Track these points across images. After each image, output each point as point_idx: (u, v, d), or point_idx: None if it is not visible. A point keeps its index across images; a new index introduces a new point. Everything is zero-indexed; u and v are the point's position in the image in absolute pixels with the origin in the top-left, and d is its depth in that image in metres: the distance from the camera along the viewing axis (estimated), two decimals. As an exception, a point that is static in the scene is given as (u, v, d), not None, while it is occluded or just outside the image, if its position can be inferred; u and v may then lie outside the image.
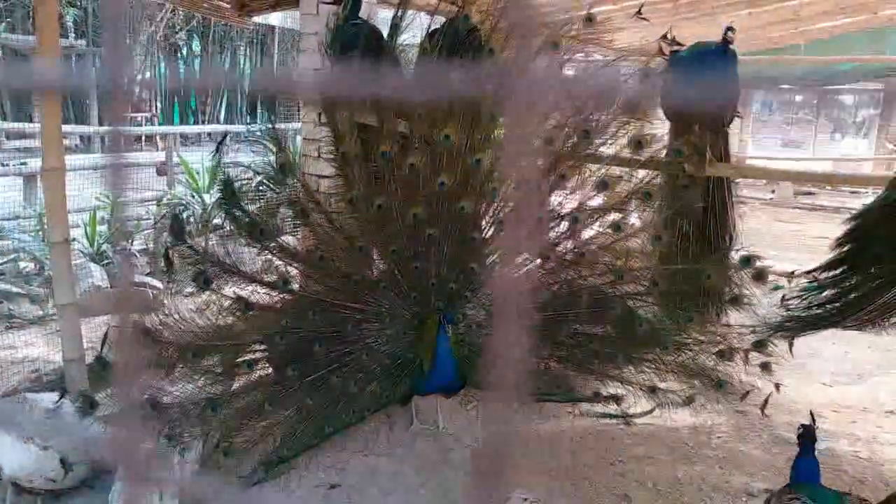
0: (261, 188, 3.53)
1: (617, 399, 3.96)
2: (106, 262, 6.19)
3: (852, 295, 3.45)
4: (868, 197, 12.96)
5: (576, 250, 3.76)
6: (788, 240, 9.18)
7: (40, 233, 6.10)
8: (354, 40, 3.76)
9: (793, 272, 3.77)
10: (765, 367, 3.71)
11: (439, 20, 3.90)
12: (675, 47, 3.91)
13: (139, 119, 16.10)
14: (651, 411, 3.97)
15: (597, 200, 3.76)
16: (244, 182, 3.45)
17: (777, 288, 3.88)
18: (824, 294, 3.58)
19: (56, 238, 3.95)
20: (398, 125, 3.59)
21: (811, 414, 2.81)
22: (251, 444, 3.41)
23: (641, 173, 3.72)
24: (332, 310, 3.64)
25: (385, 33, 3.92)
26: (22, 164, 8.04)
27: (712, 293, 3.82)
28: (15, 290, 5.57)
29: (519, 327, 0.48)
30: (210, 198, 6.96)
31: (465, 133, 3.55)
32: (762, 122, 19.02)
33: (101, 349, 4.13)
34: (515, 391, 0.48)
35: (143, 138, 15.23)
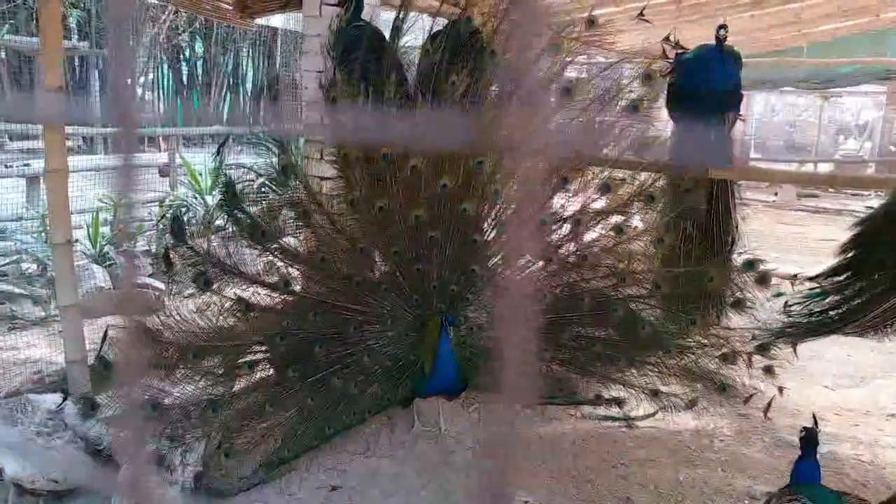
0: (263, 190, 3.53)
1: (619, 402, 3.95)
2: (108, 263, 6.20)
3: (856, 301, 3.45)
4: (870, 199, 12.97)
5: (578, 253, 3.76)
6: (791, 242, 9.17)
7: (43, 234, 6.12)
8: (357, 42, 3.77)
9: (795, 275, 3.77)
10: (768, 370, 3.71)
11: (441, 22, 3.90)
12: (679, 50, 3.91)
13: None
14: (653, 414, 3.96)
15: (599, 203, 3.76)
16: (246, 184, 3.45)
17: (780, 294, 3.87)
18: (827, 300, 3.58)
19: (59, 239, 3.96)
20: None
21: (814, 416, 2.80)
22: (252, 446, 3.41)
23: (644, 175, 3.72)
24: (334, 311, 3.64)
25: (387, 35, 3.92)
26: (25, 165, 8.05)
27: (714, 296, 3.82)
28: (17, 291, 5.58)
29: (524, 330, 0.48)
30: (212, 199, 6.97)
31: None
32: (765, 124, 19.02)
33: (101, 347, 4.13)
34: (520, 394, 0.48)
35: (146, 140, 15.26)
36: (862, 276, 3.44)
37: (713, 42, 3.80)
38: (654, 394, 3.84)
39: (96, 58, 14.57)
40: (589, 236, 3.78)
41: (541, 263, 3.74)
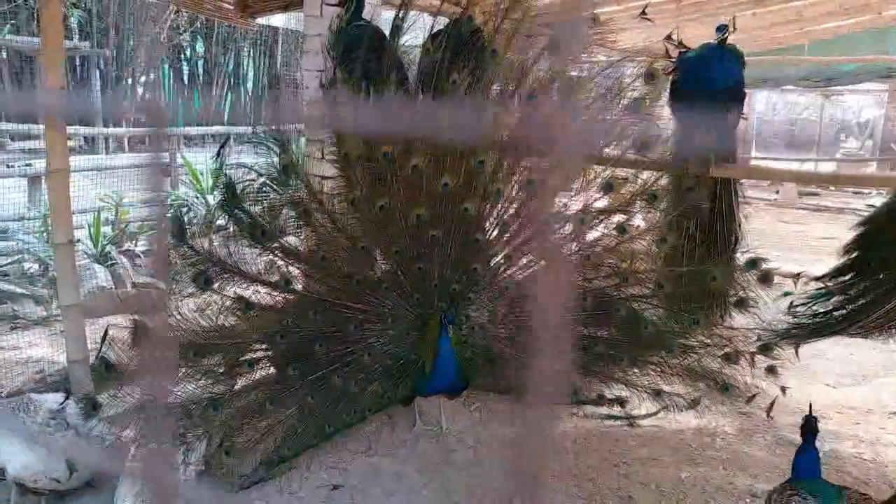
0: (264, 189, 3.53)
1: (622, 402, 3.95)
2: (110, 263, 6.20)
3: (860, 301, 3.45)
4: (872, 198, 12.96)
5: (581, 252, 3.75)
6: (792, 240, 9.16)
7: (45, 234, 6.12)
8: (357, 42, 3.76)
9: (799, 274, 3.76)
10: (771, 370, 3.71)
11: (442, 21, 3.89)
12: (682, 49, 3.90)
13: (142, 120, 16.13)
14: (656, 413, 3.96)
15: (602, 202, 3.75)
16: (246, 183, 3.44)
17: (787, 294, 3.87)
18: (832, 301, 3.58)
19: (60, 239, 3.96)
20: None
21: (810, 407, 2.83)
22: (252, 444, 3.41)
23: (646, 174, 3.72)
24: (334, 310, 3.64)
25: (387, 34, 3.92)
26: (27, 165, 8.05)
27: (718, 295, 3.81)
28: (19, 290, 5.59)
29: (558, 330, 0.48)
30: (213, 199, 6.97)
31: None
32: (766, 122, 19.00)
33: (101, 347, 4.13)
34: (554, 397, 0.48)
35: (147, 139, 15.25)
36: (866, 276, 3.44)
37: (715, 40, 3.80)
38: (657, 393, 3.84)
39: (97, 58, 14.57)
40: (591, 235, 3.78)
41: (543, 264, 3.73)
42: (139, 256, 6.50)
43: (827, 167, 14.45)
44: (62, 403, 3.23)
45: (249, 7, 5.45)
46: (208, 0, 5.42)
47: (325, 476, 3.47)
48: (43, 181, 6.37)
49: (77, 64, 14.53)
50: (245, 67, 17.86)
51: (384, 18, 4.70)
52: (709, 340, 3.70)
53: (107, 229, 6.63)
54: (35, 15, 11.27)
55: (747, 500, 3.43)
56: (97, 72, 14.71)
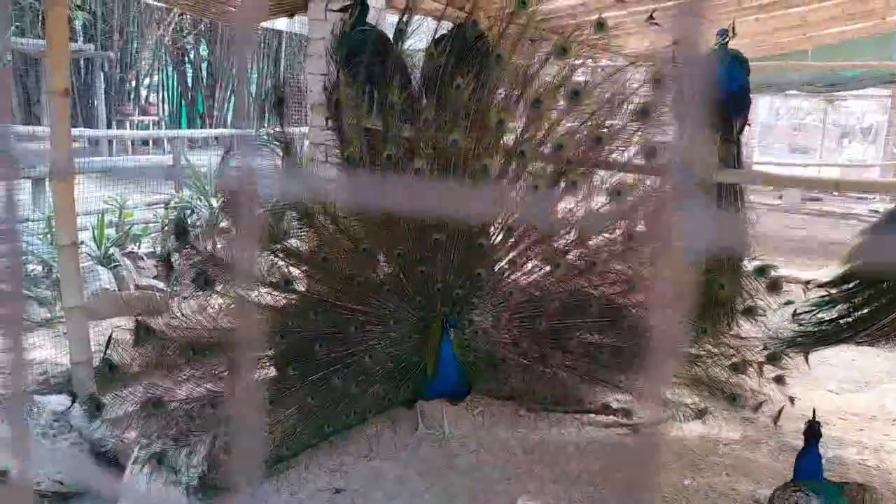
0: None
1: (627, 413, 3.93)
2: (113, 265, 6.21)
3: (865, 309, 3.44)
4: (875, 203, 12.91)
5: (586, 258, 3.74)
6: (796, 244, 9.14)
7: (48, 236, 6.13)
8: (361, 46, 3.77)
9: (808, 282, 3.74)
10: (779, 380, 3.68)
11: (446, 26, 3.90)
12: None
13: (146, 122, 16.18)
14: (661, 422, 3.94)
15: (608, 208, 3.74)
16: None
17: (789, 302, 3.85)
18: (836, 309, 3.56)
19: (64, 241, 3.97)
20: (404, 130, 3.59)
21: (813, 412, 2.83)
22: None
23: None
24: (335, 311, 3.63)
25: (391, 38, 3.92)
26: (31, 167, 8.07)
27: (726, 304, 3.78)
28: (23, 292, 5.59)
29: (676, 318, 0.48)
30: (217, 201, 6.97)
31: (472, 137, 3.55)
32: (769, 127, 18.99)
33: (106, 350, 4.14)
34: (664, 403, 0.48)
35: (151, 142, 15.30)
36: (871, 284, 3.43)
37: (715, 44, 3.79)
38: (664, 403, 3.82)
39: (102, 60, 14.62)
40: (597, 241, 3.77)
41: (548, 269, 3.73)
42: (142, 259, 6.51)
43: (829, 173, 14.43)
44: (69, 406, 3.23)
45: (254, 10, 5.45)
46: (212, 3, 5.44)
47: (327, 479, 3.46)
48: (47, 183, 6.39)
49: (82, 66, 14.58)
50: (249, 71, 17.89)
51: (388, 22, 4.71)
52: (717, 350, 3.67)
53: (110, 231, 6.64)
54: (40, 17, 11.31)
55: (750, 506, 3.42)
56: (102, 74, 14.77)
